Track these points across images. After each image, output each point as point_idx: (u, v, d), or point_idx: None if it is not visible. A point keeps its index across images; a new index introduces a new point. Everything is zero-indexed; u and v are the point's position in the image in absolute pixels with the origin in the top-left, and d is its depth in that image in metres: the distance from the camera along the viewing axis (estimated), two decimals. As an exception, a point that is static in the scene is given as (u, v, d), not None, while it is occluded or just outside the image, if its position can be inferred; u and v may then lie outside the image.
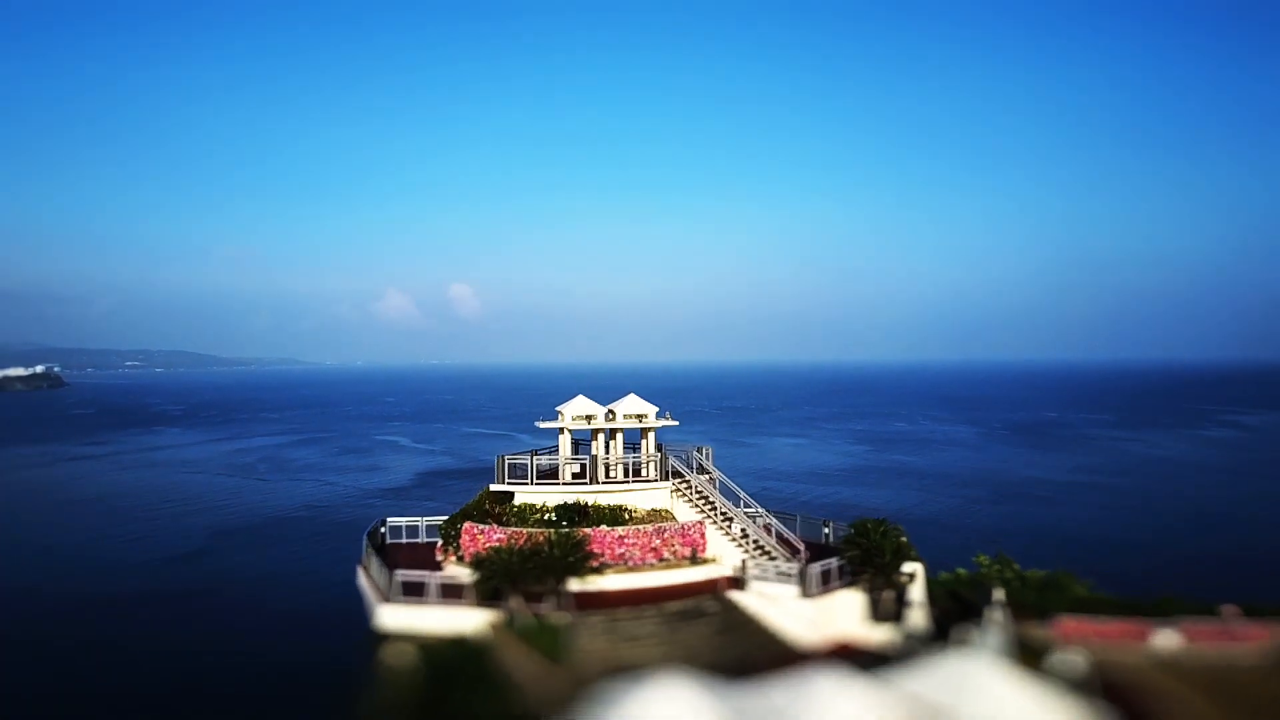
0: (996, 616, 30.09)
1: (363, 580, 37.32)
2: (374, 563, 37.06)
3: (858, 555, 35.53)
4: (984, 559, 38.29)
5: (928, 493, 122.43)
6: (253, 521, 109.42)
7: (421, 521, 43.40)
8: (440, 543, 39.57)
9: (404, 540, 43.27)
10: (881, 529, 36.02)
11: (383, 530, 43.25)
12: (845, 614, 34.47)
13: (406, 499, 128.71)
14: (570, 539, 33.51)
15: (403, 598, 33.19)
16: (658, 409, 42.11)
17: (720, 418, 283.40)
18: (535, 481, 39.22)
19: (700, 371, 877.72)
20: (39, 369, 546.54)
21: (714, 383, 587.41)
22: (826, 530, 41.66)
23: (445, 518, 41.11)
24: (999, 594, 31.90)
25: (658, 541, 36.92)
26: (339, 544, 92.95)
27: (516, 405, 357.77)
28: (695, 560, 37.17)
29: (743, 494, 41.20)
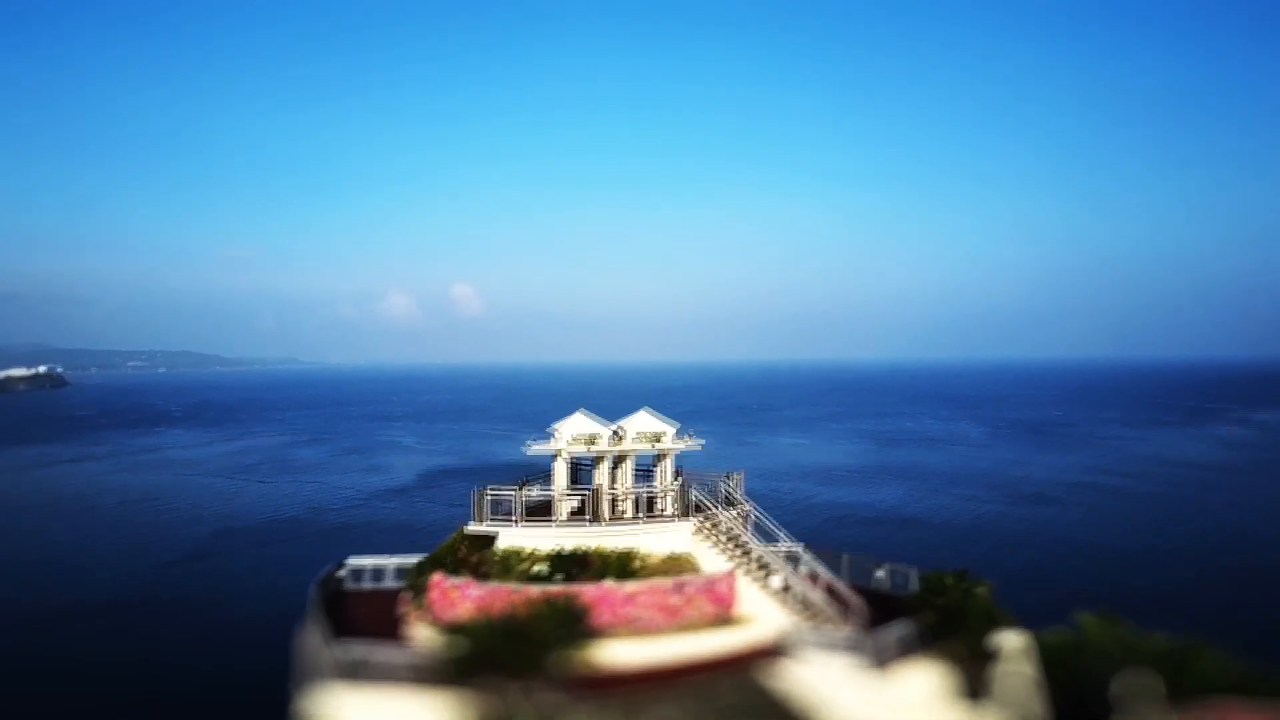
0: (1157, 712, 21.71)
1: (302, 646, 28.73)
2: (320, 623, 28.54)
3: (933, 617, 27.34)
4: (1087, 618, 29.65)
5: (946, 497, 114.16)
6: (248, 525, 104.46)
7: (389, 562, 34.94)
8: (409, 593, 31.22)
9: (368, 585, 34.82)
10: (964, 585, 27.80)
11: (341, 574, 34.80)
12: (924, 693, 26.24)
13: (407, 499, 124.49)
14: (567, 608, 25.20)
15: (348, 676, 24.93)
16: (677, 426, 33.60)
17: (724, 416, 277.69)
18: (523, 521, 30.79)
19: (704, 370, 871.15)
20: (41, 369, 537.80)
21: (718, 381, 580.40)
22: (880, 574, 33.33)
23: (416, 559, 32.93)
24: (1149, 679, 23.38)
25: (678, 599, 28.59)
26: (330, 552, 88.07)
27: (519, 405, 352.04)
28: (724, 621, 28.86)
29: (781, 532, 32.94)
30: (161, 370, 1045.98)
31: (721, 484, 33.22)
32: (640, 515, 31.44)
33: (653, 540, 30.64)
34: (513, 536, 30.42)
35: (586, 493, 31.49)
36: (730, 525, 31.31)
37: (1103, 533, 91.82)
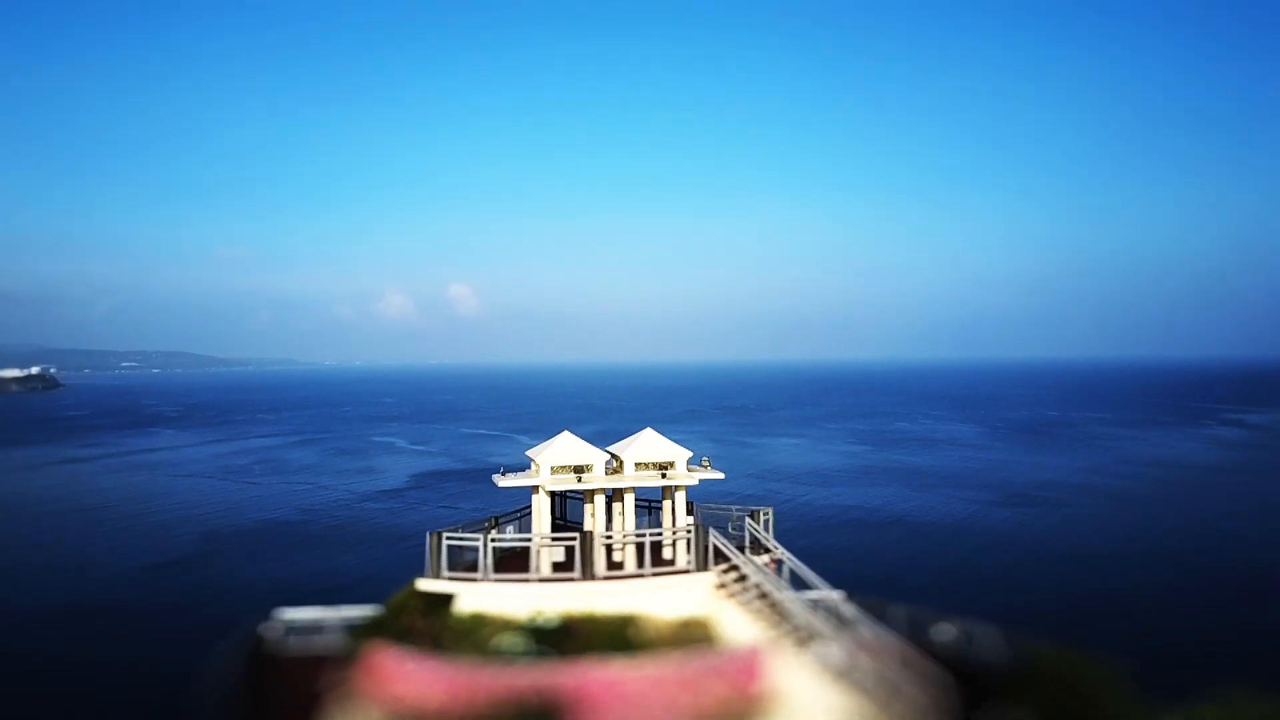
0: None
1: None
2: (232, 709, 21.32)
3: (1051, 698, 20.38)
4: (1243, 698, 22.46)
5: (955, 501, 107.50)
6: (237, 528, 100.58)
7: (331, 614, 27.35)
8: (346, 665, 23.87)
9: (305, 643, 27.24)
10: (1081, 670, 20.81)
11: (269, 630, 27.23)
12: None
13: (399, 500, 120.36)
14: (539, 707, 18.07)
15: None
16: (690, 454, 26.20)
17: (721, 417, 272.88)
18: (492, 575, 23.46)
19: (701, 371, 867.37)
20: (34, 370, 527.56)
21: (715, 382, 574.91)
22: (944, 632, 26.00)
23: (362, 612, 25.60)
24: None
25: (693, 682, 21.43)
26: (320, 556, 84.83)
27: (515, 406, 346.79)
28: (754, 711, 21.72)
29: (819, 581, 25.68)
30: (156, 371, 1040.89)
31: (748, 525, 25.69)
32: (644, 567, 23.95)
33: (661, 601, 23.22)
34: (478, 596, 22.94)
35: (574, 539, 23.96)
36: (761, 579, 23.84)
37: (1137, 546, 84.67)
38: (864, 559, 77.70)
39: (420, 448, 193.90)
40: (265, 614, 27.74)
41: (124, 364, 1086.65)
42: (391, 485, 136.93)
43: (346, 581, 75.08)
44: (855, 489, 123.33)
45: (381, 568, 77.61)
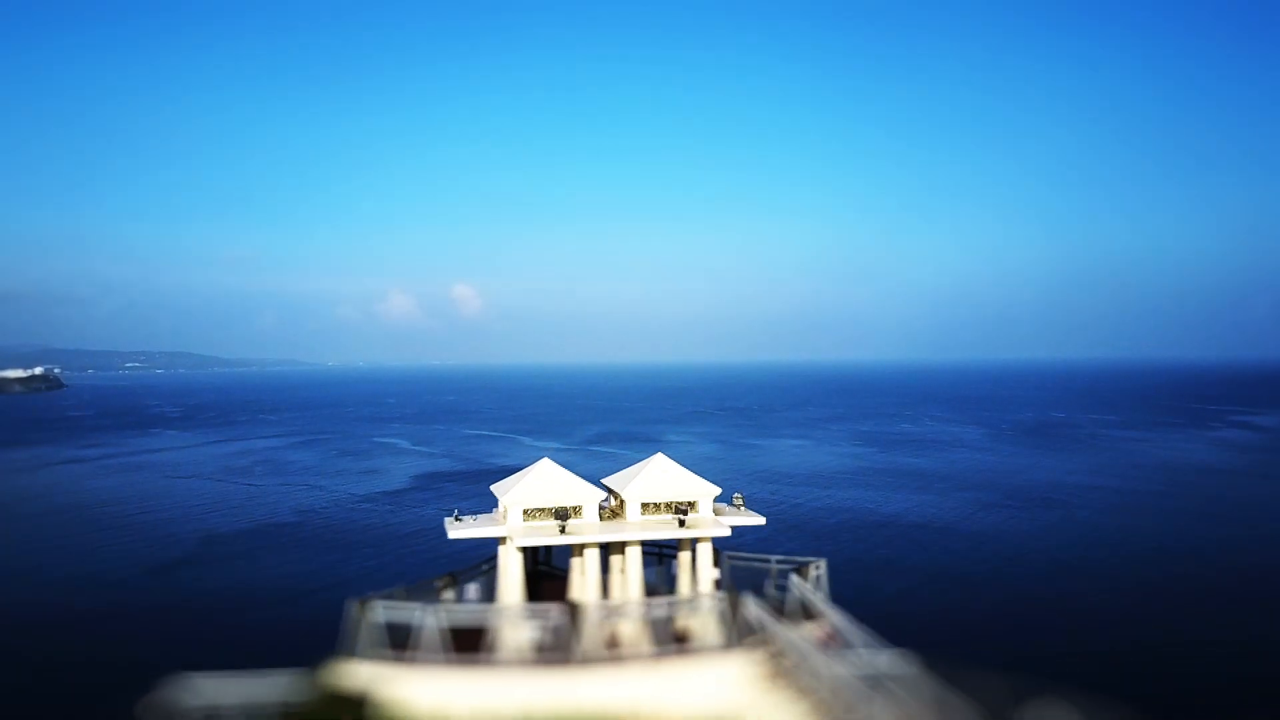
0: None
1: None
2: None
3: None
4: None
5: (987, 513, 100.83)
6: (236, 530, 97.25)
7: (238, 688, 20.37)
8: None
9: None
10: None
11: (150, 710, 20.30)
12: None
13: (401, 502, 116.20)
14: None
15: None
16: (718, 490, 19.19)
17: (724, 418, 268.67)
18: (441, 657, 16.50)
19: (703, 372, 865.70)
20: (37, 370, 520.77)
21: (717, 383, 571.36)
22: (1053, 716, 19.20)
23: (283, 687, 18.94)
24: None
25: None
26: (315, 562, 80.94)
27: (517, 407, 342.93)
28: None
29: (887, 652, 18.91)
30: (159, 371, 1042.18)
31: (793, 584, 18.66)
32: (655, 645, 17.05)
33: (678, 692, 16.43)
34: (422, 689, 16.19)
35: (556, 613, 16.88)
36: (815, 660, 16.91)
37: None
38: (902, 587, 68.70)
39: (423, 449, 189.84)
40: (154, 682, 20.86)
41: (128, 364, 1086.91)
42: (393, 487, 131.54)
43: (338, 582, 70.72)
44: (870, 495, 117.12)
45: (381, 564, 74.47)
